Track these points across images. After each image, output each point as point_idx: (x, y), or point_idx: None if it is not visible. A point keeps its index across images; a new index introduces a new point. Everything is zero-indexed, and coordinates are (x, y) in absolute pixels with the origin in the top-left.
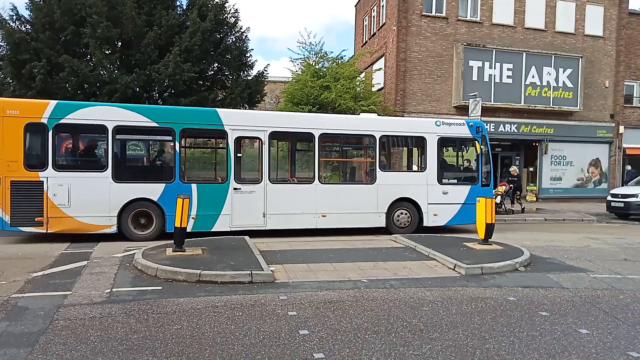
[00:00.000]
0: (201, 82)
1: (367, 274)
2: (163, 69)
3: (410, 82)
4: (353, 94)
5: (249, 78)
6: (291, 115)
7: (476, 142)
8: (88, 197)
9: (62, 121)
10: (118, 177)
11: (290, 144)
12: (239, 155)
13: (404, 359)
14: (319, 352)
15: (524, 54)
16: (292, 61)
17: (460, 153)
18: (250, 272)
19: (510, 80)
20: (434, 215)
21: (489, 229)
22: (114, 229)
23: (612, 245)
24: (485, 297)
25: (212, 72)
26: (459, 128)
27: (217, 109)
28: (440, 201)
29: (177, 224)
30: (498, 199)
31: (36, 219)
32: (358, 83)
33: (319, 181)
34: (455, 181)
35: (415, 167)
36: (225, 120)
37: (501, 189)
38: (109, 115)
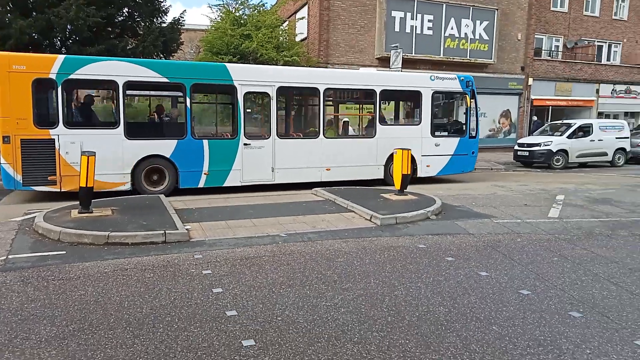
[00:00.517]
0: (110, 29)
1: (286, 228)
2: (64, 12)
3: (333, 33)
4: (275, 43)
5: (164, 25)
6: (298, 70)
7: (466, 96)
8: (101, 155)
9: (72, 76)
10: (130, 133)
11: (296, 99)
12: (248, 110)
13: (316, 310)
14: (232, 309)
15: (444, 5)
16: (211, 8)
17: (450, 106)
18: (163, 231)
19: (430, 32)
20: (427, 166)
21: (405, 179)
22: (128, 186)
23: (516, 192)
24: (398, 245)
25: (122, 18)
26: (450, 82)
27: (226, 64)
28: (432, 153)
29: (82, 183)
30: None
31: (49, 178)
32: (281, 32)
33: (324, 136)
34: (446, 134)
35: (411, 121)
36: (234, 75)
37: None
38: (119, 70)
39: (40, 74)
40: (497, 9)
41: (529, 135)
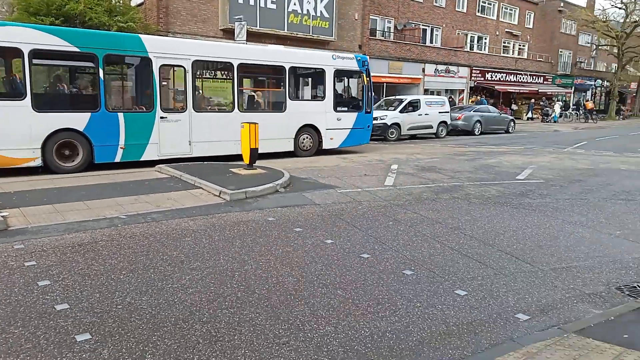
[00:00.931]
0: None
1: (127, 209)
2: None
3: None
4: (107, 6)
5: None
6: (213, 45)
7: (362, 74)
8: (6, 128)
9: None
10: (39, 106)
11: (212, 73)
12: (164, 83)
13: (162, 294)
14: (62, 302)
15: None
16: None
17: (349, 84)
18: None
19: (274, 6)
20: (330, 139)
21: (253, 153)
22: (39, 162)
23: (357, 163)
24: (248, 220)
25: None
26: (349, 62)
27: (140, 35)
28: (335, 126)
29: None
30: None
31: None
32: None
33: (239, 110)
34: (346, 109)
35: (316, 96)
36: (149, 47)
37: None
38: (24, 37)
39: None
40: None
41: None
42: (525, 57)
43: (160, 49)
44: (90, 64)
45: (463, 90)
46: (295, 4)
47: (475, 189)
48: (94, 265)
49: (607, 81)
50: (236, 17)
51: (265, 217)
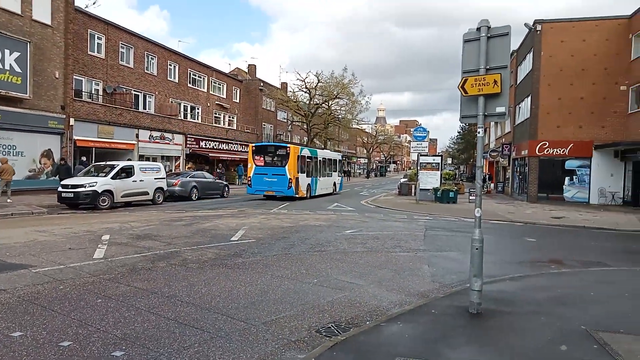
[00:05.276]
0: None
1: None
2: None
3: None
4: None
5: None
6: (324, 151)
7: (342, 160)
8: (301, 183)
9: (300, 154)
10: (307, 175)
11: (322, 161)
12: (318, 166)
13: None
14: None
15: None
16: None
17: (337, 164)
18: None
19: None
20: (335, 188)
21: None
22: (305, 195)
23: (59, 236)
24: None
25: None
26: (339, 155)
27: (317, 149)
28: (337, 182)
29: None
30: None
31: (297, 193)
32: None
33: (323, 176)
34: (337, 175)
35: (337, 170)
36: (318, 154)
37: None
38: (306, 152)
39: (298, 153)
40: (29, 42)
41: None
42: (235, 127)
43: (320, 154)
44: (313, 160)
45: (179, 157)
46: None
47: (192, 254)
48: None
49: None
50: None
51: None
